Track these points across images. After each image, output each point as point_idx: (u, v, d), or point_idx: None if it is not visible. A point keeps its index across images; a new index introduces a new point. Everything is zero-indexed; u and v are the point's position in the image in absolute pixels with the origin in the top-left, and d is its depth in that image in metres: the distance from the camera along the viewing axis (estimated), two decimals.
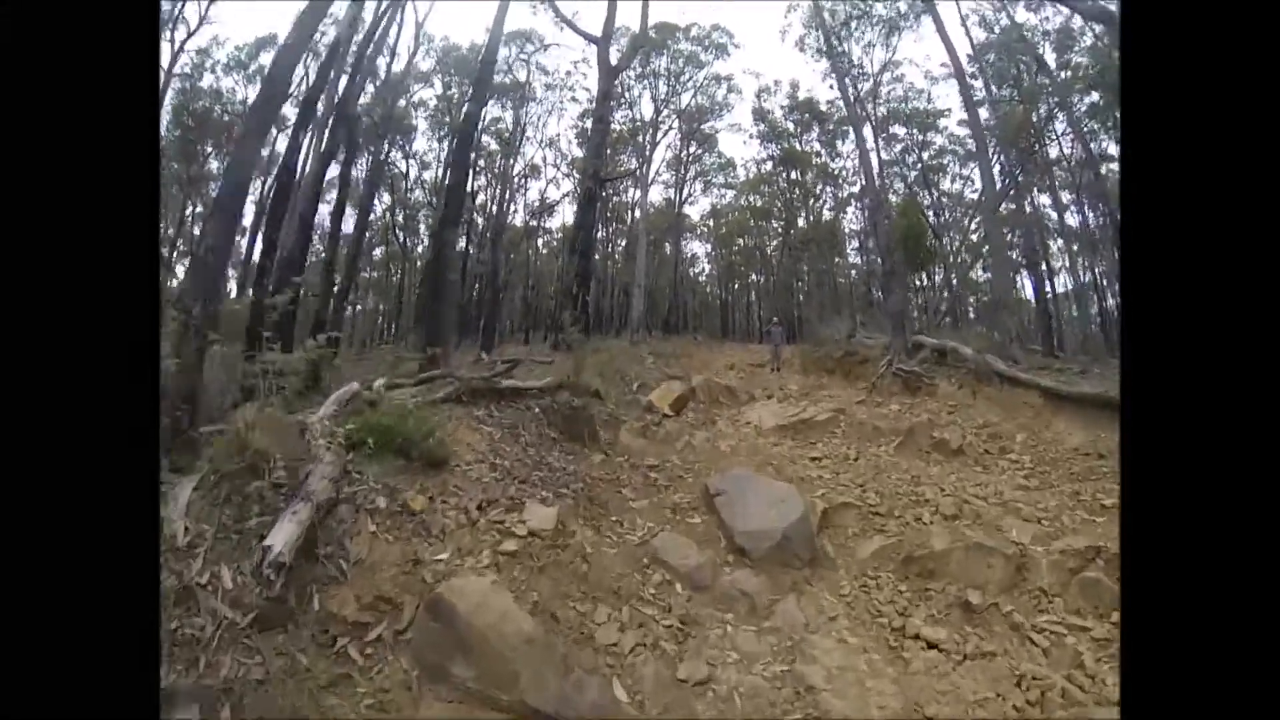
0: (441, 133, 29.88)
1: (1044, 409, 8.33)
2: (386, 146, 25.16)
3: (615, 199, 33.92)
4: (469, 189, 30.08)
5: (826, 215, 33.45)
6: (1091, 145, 23.34)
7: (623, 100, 30.43)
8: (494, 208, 30.58)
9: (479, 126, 26.23)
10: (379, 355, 15.19)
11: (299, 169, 15.52)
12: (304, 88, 19.11)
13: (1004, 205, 25.29)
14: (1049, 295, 21.95)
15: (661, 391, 10.11)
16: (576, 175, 26.58)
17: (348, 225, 26.96)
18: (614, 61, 21.26)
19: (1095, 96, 20.71)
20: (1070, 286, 29.54)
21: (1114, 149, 21.70)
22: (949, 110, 28.35)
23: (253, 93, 24.21)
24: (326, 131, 16.09)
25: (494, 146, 31.22)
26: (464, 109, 18.07)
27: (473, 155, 29.33)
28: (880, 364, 11.97)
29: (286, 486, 4.03)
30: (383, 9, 17.20)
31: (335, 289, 22.81)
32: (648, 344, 19.68)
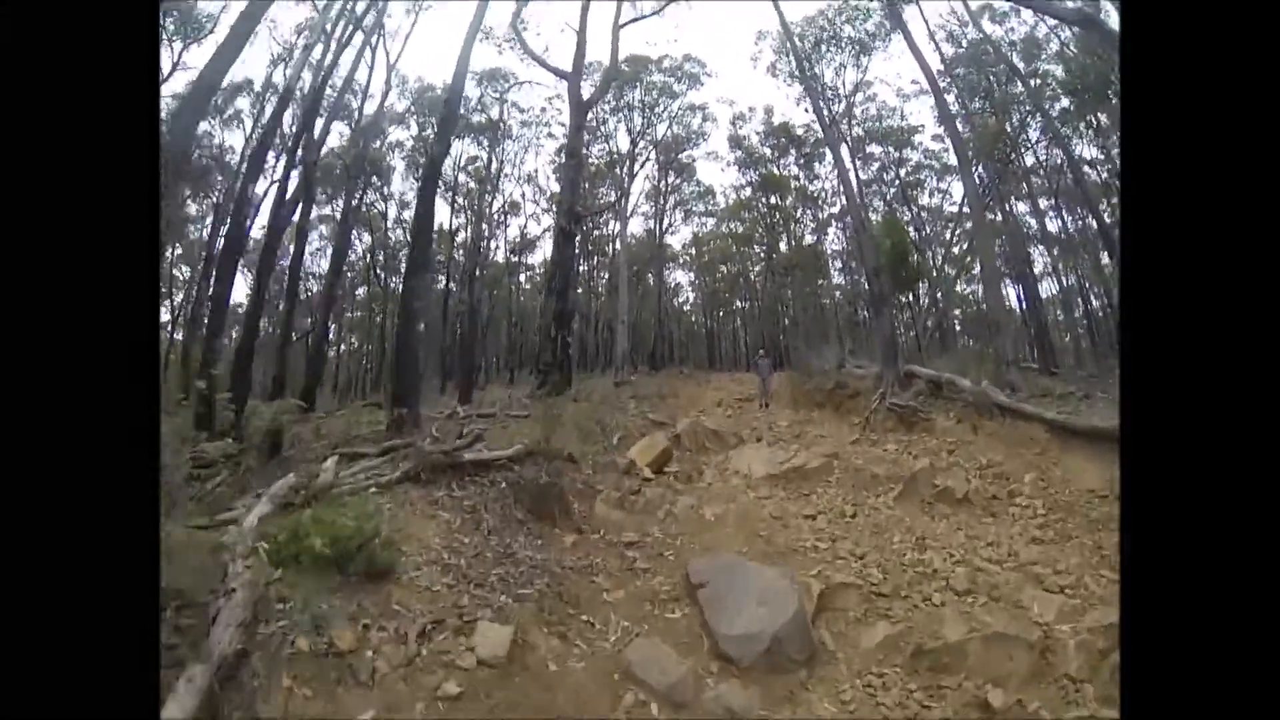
0: (418, 173, 29.50)
1: (1051, 444, 7.77)
2: (362, 188, 24.73)
3: (596, 233, 33.63)
4: (449, 229, 29.78)
5: (808, 239, 33.22)
6: (1066, 150, 23.73)
7: (598, 134, 30.38)
8: (474, 245, 30.04)
9: (445, 167, 26.15)
10: (351, 412, 14.58)
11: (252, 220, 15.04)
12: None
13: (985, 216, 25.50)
14: (1039, 304, 21.72)
15: (642, 447, 9.47)
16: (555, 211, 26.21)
17: (321, 266, 26.61)
18: (586, 95, 21.01)
19: (1065, 102, 20.84)
20: (1055, 291, 29.42)
21: (1088, 152, 22.02)
22: (922, 126, 28.53)
23: (229, 136, 23.83)
24: (294, 179, 15.59)
25: (472, 185, 30.90)
26: (429, 150, 17.60)
27: (451, 195, 29.15)
28: (873, 398, 11.44)
29: (195, 630, 3.46)
30: (344, 38, 16.73)
31: (308, 335, 22.28)
32: (631, 384, 19.05)
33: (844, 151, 22.87)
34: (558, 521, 6.85)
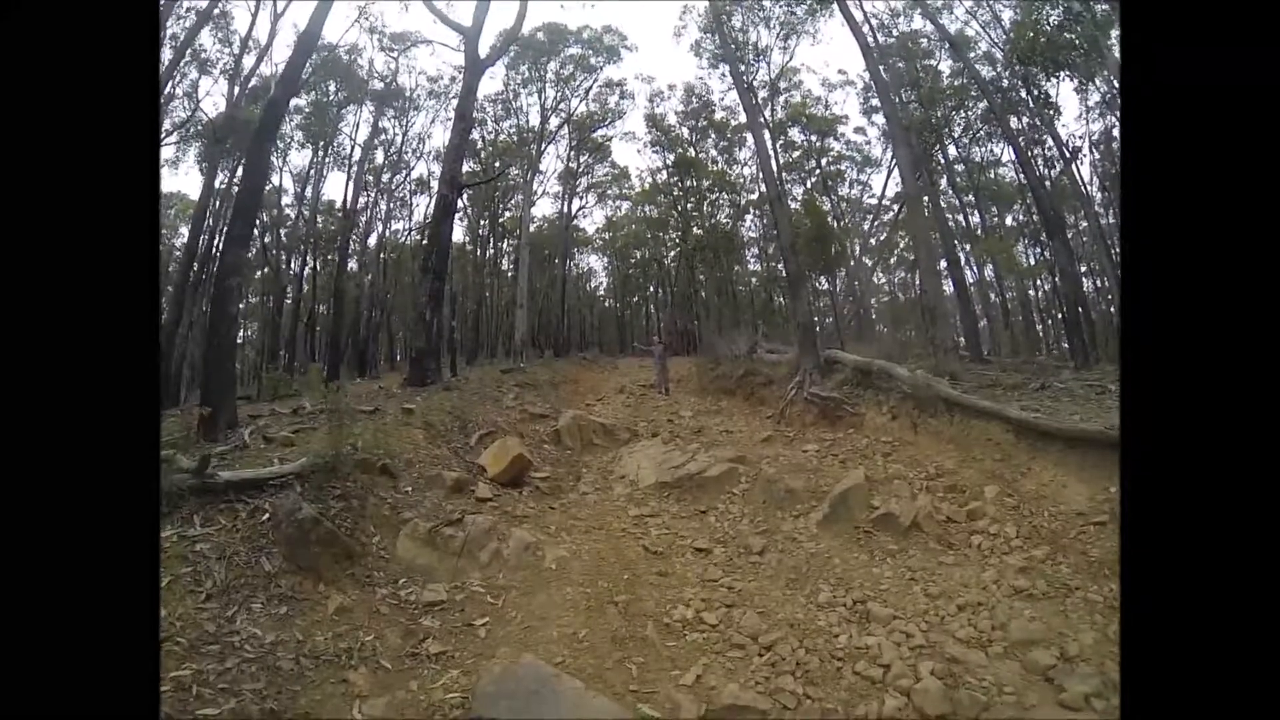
0: (319, 144, 25.55)
1: (1015, 448, 5.94)
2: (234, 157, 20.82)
3: (507, 214, 30.93)
4: (351, 206, 26.33)
5: (724, 222, 31.75)
6: (984, 148, 23.41)
7: (511, 108, 27.86)
8: (341, 218, 26.57)
9: (347, 139, 23.00)
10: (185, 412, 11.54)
11: None
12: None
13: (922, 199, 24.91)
14: (966, 292, 21.06)
15: (495, 452, 7.13)
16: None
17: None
18: (484, 55, 18.29)
19: (985, 104, 20.64)
20: (971, 281, 29.16)
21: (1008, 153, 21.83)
22: (846, 117, 27.68)
23: None
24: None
25: (379, 160, 27.35)
26: (271, 95, 14.38)
27: (348, 168, 25.49)
28: (789, 386, 9.56)
29: None
30: None
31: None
32: (523, 370, 16.66)
33: (765, 135, 21.45)
34: (324, 573, 4.47)
